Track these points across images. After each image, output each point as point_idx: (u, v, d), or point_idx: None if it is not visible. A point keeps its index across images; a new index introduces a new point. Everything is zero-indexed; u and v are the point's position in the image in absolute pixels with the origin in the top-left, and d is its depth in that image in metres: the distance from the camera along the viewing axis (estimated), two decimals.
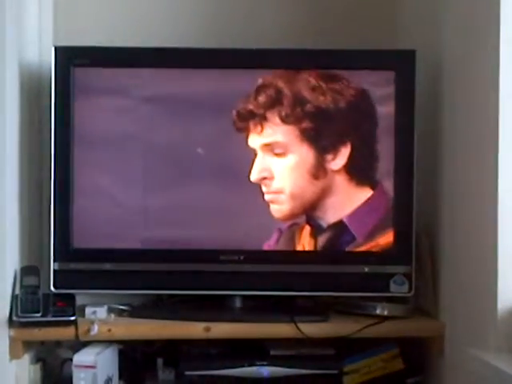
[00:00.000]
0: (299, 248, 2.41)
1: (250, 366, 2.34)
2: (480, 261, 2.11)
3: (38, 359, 2.46)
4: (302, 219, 2.41)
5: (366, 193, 2.40)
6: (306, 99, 2.37)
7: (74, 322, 2.30)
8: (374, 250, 2.39)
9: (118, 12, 2.63)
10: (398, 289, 2.39)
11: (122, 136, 2.40)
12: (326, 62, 2.41)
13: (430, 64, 2.40)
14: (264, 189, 2.39)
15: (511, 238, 2.02)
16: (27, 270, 2.33)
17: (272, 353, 2.38)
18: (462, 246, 2.24)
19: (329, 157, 2.38)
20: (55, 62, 2.38)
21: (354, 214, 2.39)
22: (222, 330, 2.33)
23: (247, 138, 2.39)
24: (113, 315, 2.40)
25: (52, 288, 2.38)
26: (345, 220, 2.39)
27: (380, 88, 2.39)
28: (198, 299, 2.45)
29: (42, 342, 2.46)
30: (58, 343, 2.48)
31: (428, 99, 2.42)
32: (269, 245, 2.40)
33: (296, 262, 2.40)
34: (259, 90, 2.37)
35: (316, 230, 2.40)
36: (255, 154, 2.39)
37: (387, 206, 2.39)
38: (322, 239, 2.40)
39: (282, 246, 2.40)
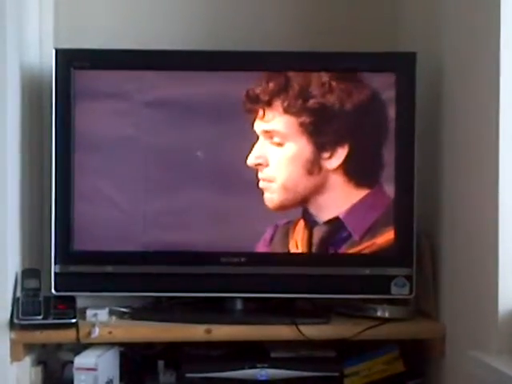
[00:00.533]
0: (293, 244, 2.40)
1: (250, 368, 2.34)
2: (481, 263, 2.11)
3: (38, 362, 2.45)
4: (297, 213, 2.40)
5: (363, 192, 2.40)
6: (310, 94, 2.37)
7: (75, 325, 2.29)
8: (374, 251, 2.39)
9: (119, 14, 2.63)
10: (398, 291, 2.39)
11: (122, 139, 2.40)
12: (326, 64, 2.41)
13: (431, 66, 2.41)
14: (259, 175, 2.39)
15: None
16: (28, 273, 2.33)
17: (273, 355, 2.38)
18: (463, 248, 2.24)
19: (325, 155, 2.38)
20: (56, 64, 2.38)
21: (351, 212, 2.39)
22: (222, 332, 2.33)
23: (254, 121, 2.39)
24: (114, 318, 2.40)
25: (53, 291, 2.38)
26: (341, 217, 2.39)
27: (381, 90, 2.39)
28: (198, 301, 2.45)
29: (43, 345, 2.46)
30: (59, 346, 2.47)
31: (428, 101, 2.42)
32: (264, 240, 2.40)
33: (297, 264, 2.40)
34: (270, 76, 2.38)
35: (311, 226, 2.40)
36: (257, 138, 2.39)
37: (385, 205, 2.39)
38: (317, 235, 2.40)
39: (276, 242, 2.40)
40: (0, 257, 2.27)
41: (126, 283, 2.39)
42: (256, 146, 2.39)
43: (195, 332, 2.32)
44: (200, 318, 2.35)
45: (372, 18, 2.66)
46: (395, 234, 2.39)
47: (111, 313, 2.41)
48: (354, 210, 2.39)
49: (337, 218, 2.39)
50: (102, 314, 2.37)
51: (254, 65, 2.41)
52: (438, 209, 2.40)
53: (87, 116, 2.39)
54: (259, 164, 2.39)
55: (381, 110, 2.39)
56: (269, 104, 2.38)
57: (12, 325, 2.28)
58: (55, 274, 2.38)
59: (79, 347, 2.34)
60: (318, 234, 2.40)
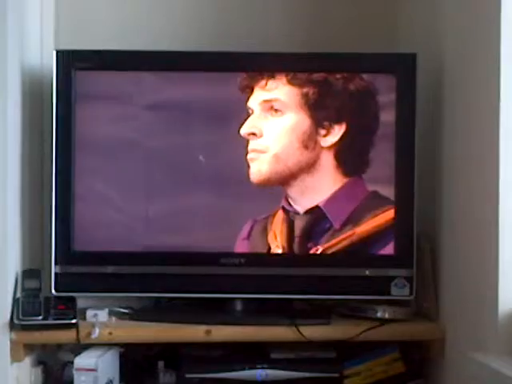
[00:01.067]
0: (271, 236, 2.39)
1: (250, 368, 2.34)
2: (480, 264, 2.11)
3: (39, 362, 2.46)
4: (277, 201, 2.39)
5: (347, 180, 2.40)
6: (316, 71, 2.38)
7: (75, 325, 2.30)
8: (375, 252, 2.39)
9: (120, 15, 2.63)
10: (398, 292, 2.39)
11: (123, 140, 2.40)
12: (327, 65, 2.41)
13: (431, 67, 2.41)
14: (250, 146, 2.39)
15: None
16: (28, 273, 2.34)
17: (273, 356, 2.38)
18: (463, 250, 2.24)
19: (322, 131, 2.38)
20: (57, 65, 2.38)
21: (331, 200, 2.39)
22: (222, 332, 2.33)
23: (248, 98, 2.38)
24: (114, 318, 2.40)
25: (53, 291, 2.38)
26: (321, 205, 2.39)
27: (381, 91, 2.39)
28: (198, 302, 2.46)
29: (43, 345, 2.46)
30: (59, 346, 2.47)
31: (429, 102, 2.42)
32: (242, 236, 2.39)
33: (297, 265, 2.40)
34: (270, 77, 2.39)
35: (291, 218, 2.39)
36: (252, 112, 2.39)
37: (362, 196, 2.39)
38: (298, 227, 2.39)
39: (254, 237, 2.39)
40: (0, 257, 2.27)
41: (126, 284, 2.39)
42: (251, 118, 2.39)
43: (195, 333, 2.32)
44: (200, 318, 2.36)
45: (372, 19, 2.66)
46: (395, 235, 2.39)
47: (111, 313, 2.41)
48: (334, 198, 2.39)
49: (317, 207, 2.39)
50: (102, 315, 2.38)
51: (254, 65, 2.41)
52: (438, 210, 2.40)
53: (88, 117, 2.40)
54: (252, 133, 2.38)
55: (381, 111, 2.39)
56: (272, 76, 2.38)
57: (12, 325, 2.29)
58: (55, 274, 2.38)
59: (79, 348, 2.34)
60: (298, 225, 2.39)
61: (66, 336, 2.30)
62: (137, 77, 2.41)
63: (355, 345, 2.36)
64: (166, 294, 2.47)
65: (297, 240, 2.40)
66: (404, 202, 2.38)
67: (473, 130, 2.18)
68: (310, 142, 2.38)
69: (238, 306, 2.43)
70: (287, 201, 2.40)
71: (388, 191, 2.39)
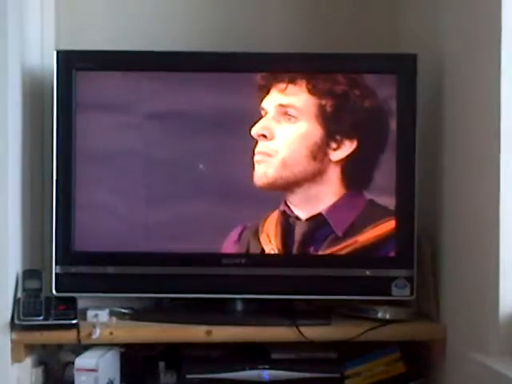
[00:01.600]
0: (264, 238, 2.39)
1: (251, 369, 2.34)
2: (481, 264, 2.11)
3: (39, 362, 2.46)
4: (275, 204, 2.39)
5: (348, 190, 2.40)
6: (338, 80, 2.38)
7: (76, 326, 2.30)
8: (375, 252, 2.39)
9: (121, 16, 2.63)
10: (399, 292, 2.39)
11: (124, 142, 2.41)
12: (328, 65, 2.41)
13: (432, 68, 2.41)
14: (257, 148, 2.38)
15: None
16: (29, 274, 2.34)
17: (273, 356, 2.38)
18: (464, 250, 2.24)
19: (333, 145, 2.38)
20: (57, 65, 2.38)
21: (334, 208, 2.39)
22: (223, 333, 2.33)
23: (263, 98, 2.38)
24: (114, 318, 2.40)
25: (54, 291, 2.38)
26: (324, 213, 2.39)
27: (381, 91, 2.39)
28: (199, 302, 2.45)
29: (44, 346, 2.46)
30: (60, 346, 2.47)
31: (429, 103, 2.42)
32: (230, 239, 2.39)
33: (297, 265, 2.40)
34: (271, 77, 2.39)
35: (290, 221, 2.39)
36: (265, 114, 2.38)
37: (364, 204, 2.39)
38: (299, 231, 2.39)
39: (244, 240, 2.39)
40: (1, 257, 2.27)
41: (126, 284, 2.39)
42: (264, 119, 2.38)
43: (196, 333, 2.32)
44: (201, 319, 2.36)
45: (373, 19, 2.66)
46: (396, 235, 2.39)
47: (112, 314, 2.41)
48: (336, 206, 2.39)
49: (320, 214, 2.39)
50: (103, 315, 2.38)
51: (255, 66, 2.41)
52: (439, 210, 2.40)
53: (89, 117, 2.39)
54: (263, 135, 2.38)
55: (382, 111, 2.39)
56: (293, 79, 2.38)
57: (13, 325, 2.29)
58: (56, 274, 2.38)
59: (80, 348, 2.35)
60: (299, 231, 2.39)
61: (67, 336, 2.30)
62: (139, 80, 2.41)
63: (356, 345, 2.36)
64: (166, 295, 2.47)
65: (297, 244, 2.40)
66: (405, 203, 2.38)
67: (474, 130, 2.18)
68: (319, 153, 2.38)
69: (239, 307, 2.43)
70: (287, 206, 2.40)
71: (389, 191, 2.39)
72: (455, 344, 2.30)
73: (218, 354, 2.40)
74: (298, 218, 2.40)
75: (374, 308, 2.38)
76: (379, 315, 2.37)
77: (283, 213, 2.40)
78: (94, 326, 2.31)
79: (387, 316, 2.37)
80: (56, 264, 2.38)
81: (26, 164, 2.42)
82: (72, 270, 2.39)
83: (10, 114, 2.30)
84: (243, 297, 2.42)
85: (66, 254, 2.38)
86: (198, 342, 2.35)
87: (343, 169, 2.39)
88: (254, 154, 2.38)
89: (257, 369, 2.35)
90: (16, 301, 2.30)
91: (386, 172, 2.39)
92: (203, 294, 2.40)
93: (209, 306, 2.44)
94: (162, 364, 2.42)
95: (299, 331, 2.31)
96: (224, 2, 2.67)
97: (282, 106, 2.39)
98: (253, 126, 2.38)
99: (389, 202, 2.39)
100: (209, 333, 2.32)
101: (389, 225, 2.39)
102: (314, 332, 2.33)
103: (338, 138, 2.38)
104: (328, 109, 2.38)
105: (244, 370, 2.35)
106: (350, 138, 2.38)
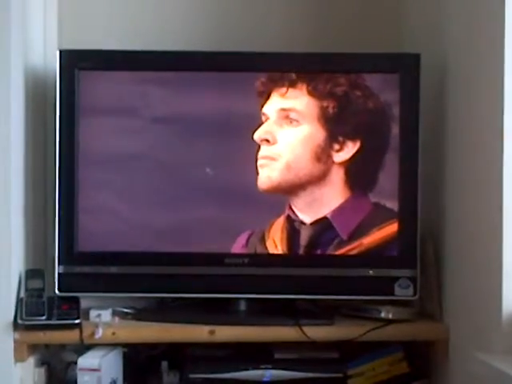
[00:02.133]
0: (270, 243, 2.39)
1: (254, 369, 2.34)
2: (484, 264, 2.11)
3: (42, 362, 2.46)
4: (280, 209, 2.38)
5: (352, 193, 2.39)
6: (339, 81, 2.37)
7: (79, 325, 2.30)
8: (378, 252, 2.39)
9: (123, 15, 2.63)
10: (402, 292, 2.38)
11: (126, 146, 2.40)
12: (329, 65, 2.41)
13: (435, 67, 2.40)
14: (261, 152, 2.38)
15: None
16: (32, 273, 2.34)
17: (276, 356, 2.38)
18: (467, 250, 2.23)
19: (336, 146, 2.38)
20: (60, 65, 2.38)
21: (338, 211, 2.38)
22: (226, 333, 2.33)
23: (264, 104, 2.38)
24: (117, 318, 2.40)
25: (57, 291, 2.38)
26: (329, 217, 2.39)
27: (385, 91, 2.39)
28: (202, 302, 2.45)
29: (47, 345, 2.46)
30: (63, 346, 2.47)
31: (433, 102, 2.42)
32: (238, 243, 2.39)
33: (301, 265, 2.40)
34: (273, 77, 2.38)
35: (296, 226, 2.39)
36: (266, 119, 2.38)
37: (368, 207, 2.38)
38: (304, 235, 2.39)
39: (251, 245, 2.39)
40: (4, 257, 2.27)
41: (129, 284, 2.39)
42: (266, 124, 2.38)
43: (199, 333, 2.32)
44: (204, 318, 2.35)
45: (376, 18, 2.66)
46: (399, 235, 2.39)
47: (115, 313, 2.41)
48: (341, 209, 2.38)
49: (325, 218, 2.39)
50: (106, 315, 2.38)
51: (256, 66, 2.40)
52: (442, 210, 2.40)
53: (92, 116, 2.39)
54: (266, 140, 2.38)
55: (385, 111, 2.39)
56: (293, 83, 2.38)
57: (16, 325, 2.29)
58: (59, 274, 2.38)
59: (83, 348, 2.34)
60: (304, 235, 2.39)
61: (70, 336, 2.30)
62: (142, 79, 2.40)
63: (359, 345, 2.36)
64: (169, 294, 2.46)
65: (302, 249, 2.39)
66: (408, 203, 2.37)
67: (477, 130, 2.18)
68: (322, 155, 2.38)
69: (242, 306, 2.43)
70: (292, 210, 2.40)
71: (392, 192, 2.39)
72: (458, 344, 2.29)
73: (220, 354, 2.40)
74: (302, 223, 2.40)
75: (377, 308, 2.38)
76: (382, 315, 2.37)
77: (288, 218, 2.40)
78: (96, 325, 2.31)
79: (390, 316, 2.37)
80: (59, 264, 2.38)
81: (29, 163, 2.42)
82: (75, 270, 2.39)
83: (12, 114, 2.29)
84: (246, 296, 2.42)
85: (69, 254, 2.38)
86: (201, 341, 2.35)
87: (347, 170, 2.39)
88: (257, 158, 2.38)
89: (260, 369, 2.35)
90: (19, 300, 2.30)
91: (389, 173, 2.39)
92: (206, 293, 2.40)
93: (212, 306, 2.43)
94: (164, 364, 2.42)
95: (302, 331, 2.31)
96: (227, 2, 2.66)
97: (283, 110, 2.39)
98: (255, 130, 2.38)
99: (393, 203, 2.39)
100: (212, 332, 2.32)
101: (393, 226, 2.39)
102: (316, 332, 2.32)
103: (340, 139, 2.38)
104: (330, 110, 2.37)
105: (247, 369, 2.35)
106: (353, 139, 2.38)
